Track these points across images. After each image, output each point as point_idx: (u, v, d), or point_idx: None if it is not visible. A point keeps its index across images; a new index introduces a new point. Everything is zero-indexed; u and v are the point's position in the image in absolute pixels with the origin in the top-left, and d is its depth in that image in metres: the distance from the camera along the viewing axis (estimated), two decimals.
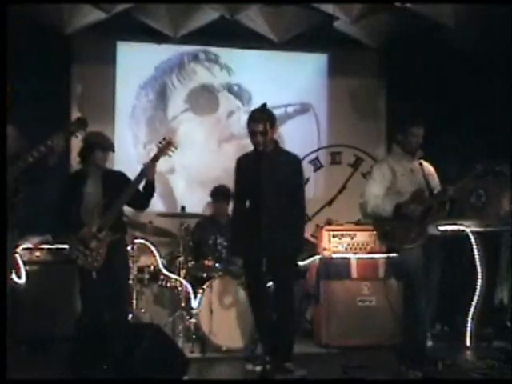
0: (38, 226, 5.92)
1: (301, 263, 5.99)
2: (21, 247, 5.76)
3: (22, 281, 5.71)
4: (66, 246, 5.27)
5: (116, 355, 4.28)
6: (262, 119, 4.69)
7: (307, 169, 6.92)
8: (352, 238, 6.08)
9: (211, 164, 7.18)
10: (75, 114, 6.56)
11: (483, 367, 4.89)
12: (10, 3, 4.27)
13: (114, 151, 5.11)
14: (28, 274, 5.74)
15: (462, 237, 5.81)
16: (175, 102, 7.32)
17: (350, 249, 6.04)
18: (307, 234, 6.25)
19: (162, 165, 5.19)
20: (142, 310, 5.98)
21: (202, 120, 7.37)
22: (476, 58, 6.47)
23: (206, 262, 5.92)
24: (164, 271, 6.00)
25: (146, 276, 6.02)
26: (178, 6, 6.49)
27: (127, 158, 6.81)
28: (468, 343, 5.73)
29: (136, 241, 5.97)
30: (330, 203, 7.32)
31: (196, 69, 7.37)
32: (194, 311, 5.68)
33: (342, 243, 6.06)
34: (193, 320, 5.69)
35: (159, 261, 6.05)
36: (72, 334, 4.92)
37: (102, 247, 4.71)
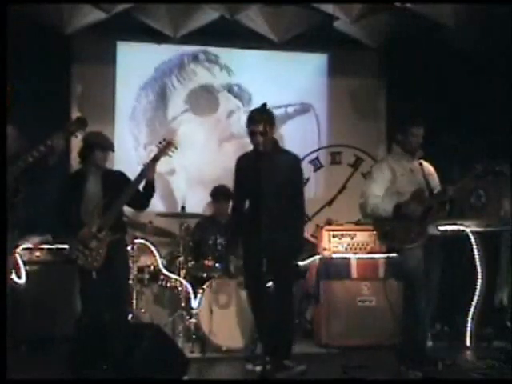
0: (38, 226, 5.92)
1: (301, 263, 6.00)
2: (21, 247, 5.76)
3: (22, 281, 5.70)
4: (65, 246, 5.28)
5: (116, 355, 4.28)
6: (262, 120, 4.70)
7: (307, 169, 6.93)
8: (352, 238, 6.08)
9: (211, 164, 7.18)
10: (75, 114, 6.55)
11: (483, 367, 4.89)
12: (9, 3, 4.27)
13: (113, 151, 5.11)
14: (28, 274, 5.74)
15: (461, 237, 5.81)
16: (175, 103, 7.32)
17: (350, 249, 6.04)
18: (307, 234, 6.26)
19: (162, 166, 5.19)
20: (142, 310, 5.98)
21: (202, 120, 7.37)
22: (476, 57, 6.47)
23: (206, 262, 5.92)
24: (164, 271, 6.01)
25: (146, 276, 6.03)
26: (178, 6, 6.49)
27: (127, 158, 6.81)
28: (468, 343, 5.73)
29: (136, 241, 5.97)
30: (330, 203, 7.32)
31: (196, 69, 7.37)
32: (193, 311, 5.68)
33: (342, 243, 6.06)
34: (193, 320, 5.69)
35: (159, 261, 6.05)
36: (72, 334, 4.92)
37: (102, 247, 4.71)
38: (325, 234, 6.07)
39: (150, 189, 4.94)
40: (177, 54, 7.30)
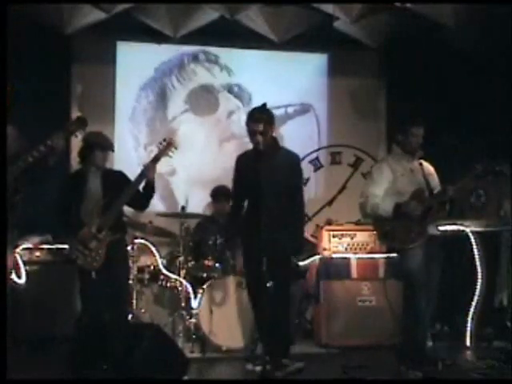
0: (38, 226, 5.92)
1: (301, 263, 6.00)
2: (21, 247, 5.76)
3: (22, 281, 5.70)
4: (65, 246, 5.27)
5: (116, 355, 4.29)
6: (262, 119, 4.71)
7: (307, 169, 6.93)
8: (352, 238, 6.08)
9: (211, 164, 7.17)
10: (75, 114, 6.53)
11: (483, 367, 4.89)
12: (9, 3, 4.27)
13: (113, 151, 5.11)
14: (28, 274, 5.74)
15: (462, 237, 5.81)
16: (175, 103, 7.31)
17: (350, 249, 6.04)
18: (307, 234, 6.26)
19: (162, 166, 5.19)
20: (142, 310, 5.98)
21: (202, 120, 7.37)
22: (476, 57, 6.47)
23: (206, 262, 5.92)
24: (164, 271, 6.00)
25: (146, 276, 6.03)
26: (178, 6, 6.49)
27: (127, 158, 6.82)
28: (468, 343, 5.73)
29: (136, 241, 5.97)
30: (330, 203, 7.32)
31: (196, 69, 7.37)
32: (193, 311, 5.68)
33: (342, 243, 6.06)
34: (193, 320, 5.69)
35: (159, 261, 6.05)
36: (72, 334, 4.92)
37: (102, 247, 4.71)
38: (325, 234, 6.08)
39: (150, 189, 4.94)
40: (177, 54, 7.30)
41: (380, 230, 4.96)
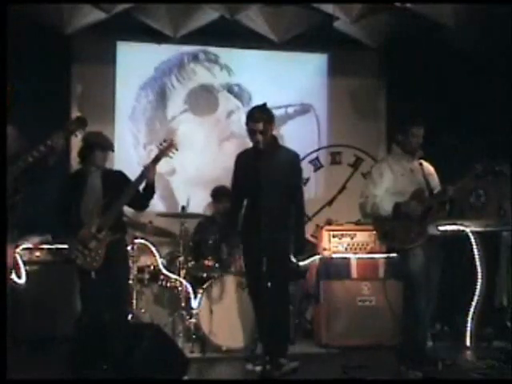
0: (38, 226, 5.92)
1: (301, 263, 6.00)
2: (21, 247, 5.76)
3: (22, 281, 5.70)
4: (65, 246, 5.27)
5: (116, 355, 4.29)
6: (262, 118, 4.72)
7: (307, 169, 6.93)
8: (352, 238, 6.09)
9: (211, 164, 7.17)
10: (75, 114, 6.54)
11: (483, 367, 4.89)
12: (9, 3, 4.27)
13: (113, 151, 5.11)
14: (28, 274, 5.74)
15: (462, 237, 5.81)
16: (175, 103, 7.31)
17: (350, 249, 6.05)
18: (307, 234, 6.25)
19: (162, 166, 5.19)
20: (142, 310, 5.98)
21: (202, 120, 7.37)
22: (476, 57, 6.47)
23: (206, 262, 5.92)
24: (164, 271, 6.00)
25: (146, 276, 6.03)
26: (178, 6, 6.49)
27: (127, 158, 6.82)
28: (468, 343, 5.72)
29: (136, 241, 5.97)
30: (330, 203, 7.32)
31: (196, 69, 7.37)
32: (194, 311, 5.68)
33: (342, 243, 6.06)
34: (193, 320, 5.69)
35: (159, 261, 6.05)
36: (72, 334, 4.92)
37: (102, 247, 4.71)
38: (325, 234, 6.08)
39: (150, 190, 4.94)
40: (176, 53, 7.30)
41: (380, 230, 4.96)
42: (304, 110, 7.55)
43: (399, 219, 4.74)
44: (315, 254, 6.07)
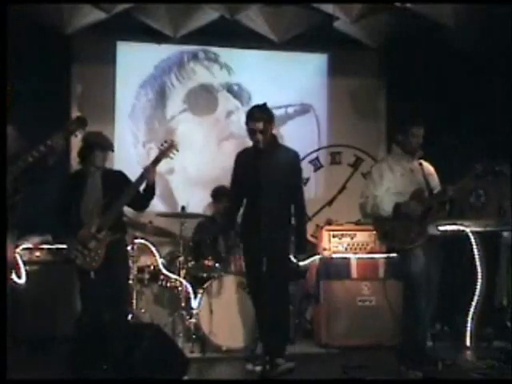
0: (38, 226, 5.91)
1: (301, 263, 6.00)
2: (21, 247, 5.76)
3: (22, 281, 5.70)
4: (65, 246, 5.26)
5: (116, 355, 4.28)
6: (262, 118, 4.73)
7: (307, 169, 6.93)
8: (352, 238, 6.09)
9: (210, 164, 7.18)
10: (75, 114, 6.54)
11: (483, 367, 4.89)
12: (9, 3, 4.27)
13: (113, 151, 5.11)
14: (28, 274, 5.74)
15: (462, 237, 5.81)
16: (174, 102, 7.31)
17: (350, 249, 6.05)
18: (307, 234, 6.25)
19: (161, 165, 5.17)
20: (142, 310, 5.98)
21: (201, 120, 7.37)
22: (476, 57, 6.47)
23: (206, 262, 5.92)
24: (164, 271, 6.00)
25: (146, 276, 6.03)
26: (178, 6, 6.49)
27: (127, 157, 6.82)
28: (468, 343, 5.72)
29: (136, 241, 5.97)
30: (330, 203, 7.32)
31: (195, 68, 7.37)
32: (194, 311, 5.68)
33: (342, 243, 6.06)
34: (193, 320, 5.69)
35: (159, 261, 6.05)
36: (72, 334, 4.92)
37: (101, 247, 4.70)
38: (325, 234, 6.08)
39: (150, 191, 4.94)
40: (176, 51, 7.30)
41: (380, 230, 4.96)
42: (304, 109, 7.55)
43: (399, 219, 4.74)
44: (315, 254, 6.07)
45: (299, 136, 7.29)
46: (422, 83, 6.94)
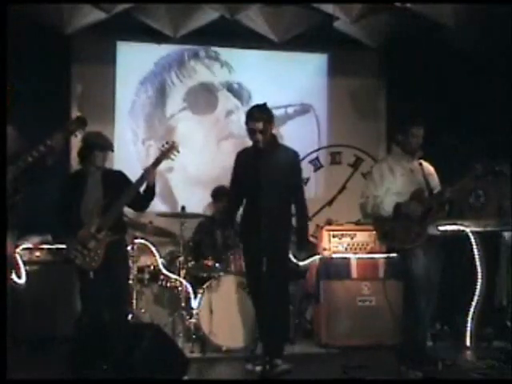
0: (37, 226, 5.91)
1: (301, 263, 6.00)
2: (21, 247, 5.76)
3: (22, 281, 5.70)
4: (65, 246, 5.27)
5: (116, 355, 4.29)
6: (262, 118, 4.73)
7: (307, 169, 6.93)
8: (352, 238, 6.08)
9: (210, 163, 7.19)
10: (75, 114, 6.53)
11: (483, 367, 4.89)
12: (9, 3, 4.27)
13: (113, 151, 5.10)
14: (28, 274, 5.74)
15: (462, 237, 5.81)
16: (174, 100, 7.31)
17: (350, 249, 6.04)
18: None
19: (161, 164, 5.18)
20: (142, 310, 5.98)
21: (201, 119, 7.37)
22: (476, 57, 6.47)
23: (206, 262, 5.92)
24: (164, 271, 6.01)
25: (146, 276, 6.03)
26: (178, 6, 6.49)
27: (127, 156, 6.82)
28: (468, 343, 5.72)
29: (136, 241, 5.97)
30: (330, 203, 7.32)
31: (196, 67, 7.37)
32: (194, 311, 5.68)
33: (342, 243, 6.06)
34: (193, 320, 5.69)
35: (159, 261, 6.05)
36: (72, 334, 4.92)
37: (101, 247, 4.69)
38: (325, 234, 6.08)
39: (150, 192, 4.94)
40: (177, 49, 7.29)
41: (380, 230, 4.96)
42: (304, 110, 7.55)
43: (399, 219, 4.74)
44: (315, 254, 6.07)
45: (299, 136, 7.29)
46: (421, 83, 6.95)
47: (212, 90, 7.39)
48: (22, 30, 5.91)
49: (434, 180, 4.98)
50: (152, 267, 6.07)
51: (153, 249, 6.10)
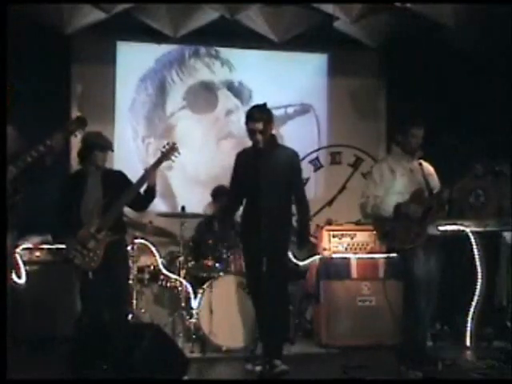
0: (38, 226, 5.91)
1: (301, 263, 6.00)
2: (21, 247, 5.76)
3: (22, 281, 5.70)
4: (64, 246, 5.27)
5: (116, 355, 4.29)
6: (262, 118, 4.73)
7: (307, 169, 6.93)
8: (352, 238, 6.08)
9: (209, 163, 7.18)
10: (75, 114, 6.53)
11: (483, 367, 4.89)
12: (9, 3, 4.27)
13: (113, 151, 5.10)
14: (28, 274, 5.74)
15: (462, 237, 5.81)
16: (173, 98, 7.31)
17: (350, 249, 6.05)
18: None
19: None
20: (142, 310, 5.98)
21: (201, 118, 7.37)
22: (476, 57, 6.47)
23: (206, 262, 5.92)
24: (164, 271, 6.01)
25: (146, 276, 6.03)
26: (178, 6, 6.49)
27: (127, 155, 6.81)
28: (468, 343, 5.72)
29: (136, 241, 5.97)
30: (330, 203, 7.31)
31: (196, 65, 7.36)
32: (193, 311, 5.68)
33: (342, 243, 6.06)
34: (193, 320, 5.69)
35: (159, 261, 6.05)
36: (72, 334, 4.92)
37: (100, 248, 4.69)
38: (325, 234, 6.08)
39: (151, 193, 4.94)
40: (178, 47, 7.28)
41: (380, 230, 4.96)
42: (304, 110, 7.55)
43: (399, 219, 4.74)
44: (315, 254, 6.07)
45: (299, 136, 7.29)
46: (421, 83, 6.95)
47: (212, 88, 7.39)
48: (22, 29, 5.91)
49: (434, 180, 4.98)
50: (152, 267, 6.07)
51: (153, 249, 6.10)
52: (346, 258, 5.97)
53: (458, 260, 5.86)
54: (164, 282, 6.02)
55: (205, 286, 5.68)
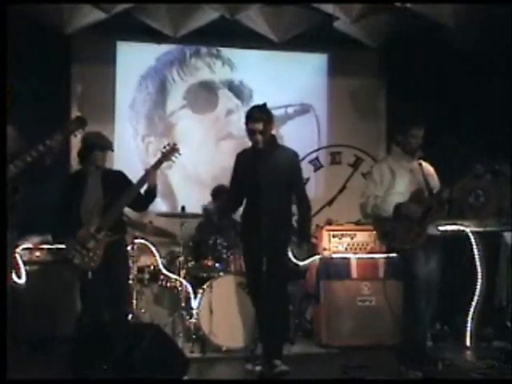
0: (38, 226, 5.91)
1: (301, 263, 6.00)
2: (21, 247, 5.76)
3: (22, 281, 5.70)
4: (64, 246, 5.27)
5: (116, 355, 4.29)
6: (261, 119, 4.73)
7: (307, 169, 6.93)
8: (352, 238, 6.08)
9: (209, 163, 7.19)
10: (75, 114, 6.53)
11: (483, 367, 4.90)
12: (9, 3, 4.27)
13: (112, 150, 5.10)
14: (28, 274, 5.74)
15: (462, 237, 5.81)
16: (174, 98, 7.32)
17: (350, 249, 6.04)
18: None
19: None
20: (142, 310, 5.98)
21: (201, 118, 7.37)
22: (476, 57, 6.47)
23: (206, 262, 5.92)
24: (164, 271, 6.01)
25: (146, 276, 6.03)
26: (178, 6, 6.49)
27: (127, 154, 6.82)
28: (468, 343, 5.72)
29: (136, 241, 5.97)
30: (330, 203, 7.30)
31: (197, 65, 7.37)
32: (193, 311, 5.68)
33: (342, 243, 6.06)
34: (193, 320, 5.69)
35: (159, 261, 6.04)
36: (72, 334, 4.93)
37: (100, 248, 4.69)
38: (325, 234, 6.07)
39: (151, 193, 4.94)
40: (179, 46, 7.29)
41: (380, 230, 4.96)
42: (304, 110, 7.55)
43: (399, 219, 4.74)
44: (315, 254, 6.07)
45: (299, 136, 7.29)
46: (421, 83, 6.95)
47: (213, 88, 7.39)
48: (22, 29, 5.91)
49: (434, 180, 4.98)
50: (152, 267, 6.07)
51: (153, 249, 6.10)
52: (346, 258, 5.96)
53: (458, 260, 5.86)
54: (164, 282, 6.02)
55: (205, 286, 5.68)
